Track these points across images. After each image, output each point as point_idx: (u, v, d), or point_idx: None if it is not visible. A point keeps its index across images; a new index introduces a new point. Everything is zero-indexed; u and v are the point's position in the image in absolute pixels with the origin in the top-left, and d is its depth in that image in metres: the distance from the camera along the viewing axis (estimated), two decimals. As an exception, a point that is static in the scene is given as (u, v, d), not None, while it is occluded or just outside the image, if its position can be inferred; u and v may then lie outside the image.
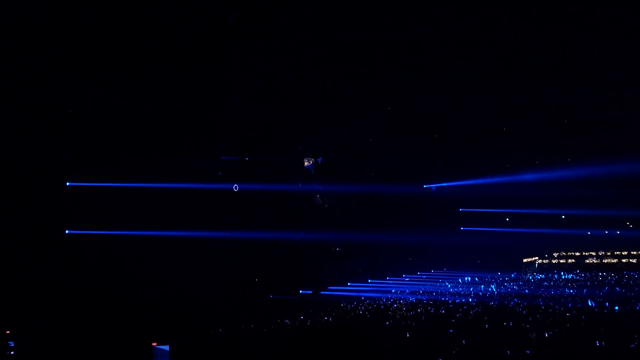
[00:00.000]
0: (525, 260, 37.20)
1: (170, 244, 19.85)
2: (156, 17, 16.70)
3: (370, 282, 28.17)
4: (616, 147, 26.89)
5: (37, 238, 15.95)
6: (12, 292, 14.11)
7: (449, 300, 20.15)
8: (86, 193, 18.32)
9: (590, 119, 26.44)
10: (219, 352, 10.79)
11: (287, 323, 15.99)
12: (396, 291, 24.95)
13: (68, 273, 15.78)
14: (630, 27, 18.51)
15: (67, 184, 18.07)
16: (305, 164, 27.10)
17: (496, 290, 24.25)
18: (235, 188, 22.53)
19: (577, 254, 36.43)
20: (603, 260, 35.66)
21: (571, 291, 22.79)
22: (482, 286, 26.17)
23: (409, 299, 21.11)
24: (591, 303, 17.61)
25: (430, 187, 34.75)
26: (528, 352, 10.47)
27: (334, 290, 24.30)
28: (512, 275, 32.09)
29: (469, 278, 30.15)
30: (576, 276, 31.40)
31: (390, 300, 20.97)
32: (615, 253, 35.45)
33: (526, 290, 23.72)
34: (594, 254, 35.98)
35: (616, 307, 16.37)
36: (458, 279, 30.23)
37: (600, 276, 30.37)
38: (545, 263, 37.04)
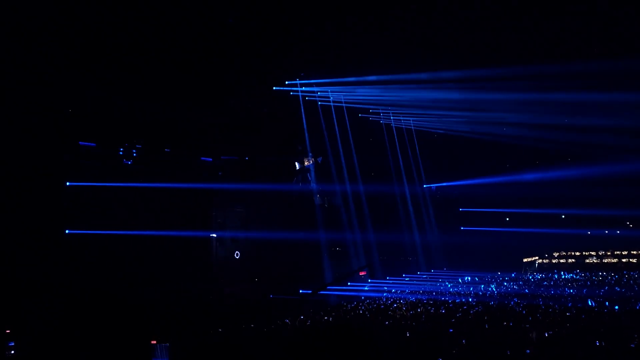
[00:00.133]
0: (525, 260, 37.20)
1: (170, 244, 19.85)
2: (156, 17, 16.70)
3: (371, 282, 28.16)
4: (616, 147, 26.90)
5: (37, 238, 15.96)
6: (12, 292, 14.11)
7: (449, 300, 20.14)
8: (86, 193, 18.32)
9: (590, 119, 26.43)
10: (219, 352, 10.78)
11: (287, 323, 15.99)
12: (396, 291, 24.95)
13: (68, 273, 15.79)
14: (630, 26, 18.52)
15: (67, 184, 18.08)
16: (305, 164, 27.11)
17: (496, 290, 24.24)
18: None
19: (577, 253, 36.43)
20: (603, 260, 35.66)
21: (571, 291, 22.78)
22: (482, 286, 26.16)
23: (409, 299, 21.10)
24: (591, 303, 17.60)
25: (430, 187, 34.76)
26: (528, 351, 10.47)
27: (334, 290, 24.29)
28: (512, 275, 32.08)
29: (469, 278, 30.14)
30: (576, 276, 31.40)
31: (390, 300, 20.97)
32: (615, 253, 35.45)
33: (526, 290, 23.71)
34: (594, 253, 35.99)
35: (616, 307, 16.36)
36: (458, 279, 30.23)
37: (600, 276, 30.37)
38: (545, 263, 37.04)
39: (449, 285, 27.22)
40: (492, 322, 14.28)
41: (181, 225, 20.53)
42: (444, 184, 34.22)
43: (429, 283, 28.57)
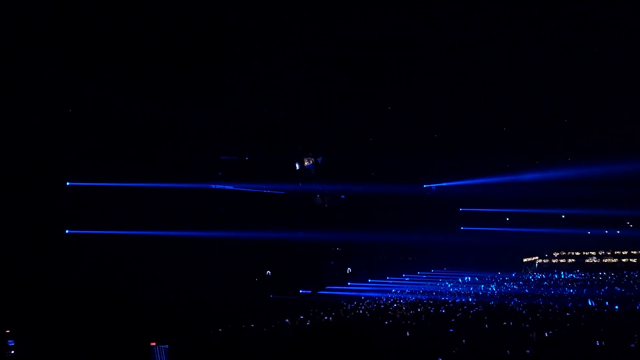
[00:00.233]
0: (525, 260, 37.21)
1: (170, 244, 19.85)
2: (156, 17, 16.69)
3: (371, 282, 28.17)
4: (616, 147, 26.89)
5: (37, 238, 15.96)
6: (12, 292, 14.11)
7: (449, 299, 20.15)
8: (86, 193, 18.33)
9: (590, 119, 26.44)
10: (219, 352, 10.78)
11: (287, 323, 16.00)
12: (396, 291, 24.96)
13: (68, 273, 15.78)
14: (630, 26, 18.51)
15: (67, 184, 18.08)
16: (305, 164, 27.11)
17: (496, 289, 24.25)
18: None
19: (577, 253, 36.43)
20: (603, 260, 35.66)
21: (571, 291, 22.79)
22: (482, 286, 26.17)
23: (409, 299, 21.11)
24: (591, 302, 17.61)
25: (430, 187, 34.76)
26: (528, 351, 10.47)
27: (334, 290, 24.30)
28: (513, 275, 32.09)
29: (469, 278, 30.15)
30: (576, 276, 31.40)
31: (390, 300, 20.98)
32: (615, 252, 35.45)
33: (526, 290, 23.73)
34: (594, 253, 35.98)
35: (616, 307, 16.37)
36: (458, 279, 30.24)
37: (600, 276, 30.38)
38: (546, 263, 37.04)
39: (449, 285, 27.24)
40: (492, 322, 14.29)
41: (181, 225, 20.54)
42: (444, 184, 34.22)
43: (429, 283, 28.58)
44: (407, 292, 24.23)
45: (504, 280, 29.54)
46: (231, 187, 23.08)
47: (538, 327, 12.72)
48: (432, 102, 25.44)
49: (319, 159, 27.27)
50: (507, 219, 34.94)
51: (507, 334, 12.61)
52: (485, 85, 23.67)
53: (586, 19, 18.08)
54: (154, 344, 8.26)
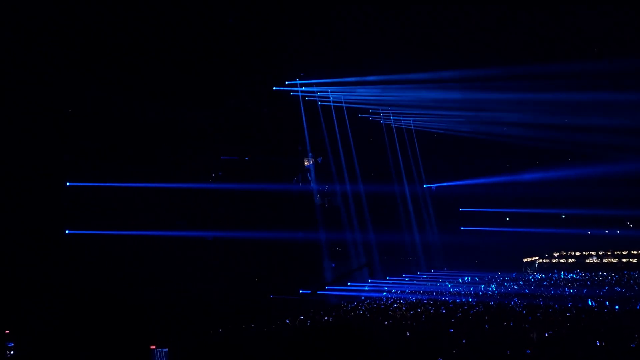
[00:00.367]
0: (525, 260, 37.20)
1: (170, 244, 19.84)
2: (156, 17, 16.69)
3: (371, 282, 28.15)
4: (616, 147, 26.88)
5: (37, 238, 15.95)
6: (12, 292, 14.10)
7: (449, 300, 20.14)
8: (86, 193, 18.31)
9: (591, 119, 26.43)
10: (219, 352, 10.78)
11: (287, 323, 15.99)
12: (396, 291, 24.95)
13: (68, 273, 15.77)
14: (630, 26, 18.51)
15: (67, 184, 18.07)
16: (305, 164, 27.11)
17: (496, 289, 24.24)
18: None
19: (578, 253, 36.42)
20: (603, 260, 35.64)
21: (571, 291, 22.78)
22: (482, 286, 26.16)
23: (409, 299, 21.10)
24: (591, 303, 17.60)
25: (430, 187, 34.75)
26: (528, 351, 10.46)
27: (334, 290, 24.28)
28: (513, 275, 32.08)
29: (469, 278, 30.14)
30: (576, 276, 31.40)
31: (390, 300, 20.97)
32: (616, 253, 35.44)
33: (526, 290, 23.72)
34: (594, 253, 35.97)
35: (616, 307, 16.36)
36: (458, 279, 30.23)
37: (601, 276, 30.37)
38: (546, 263, 37.02)
39: (449, 285, 27.23)
40: (492, 322, 14.28)
41: (181, 225, 20.53)
42: (444, 184, 34.21)
43: (429, 283, 28.57)
44: (407, 292, 24.22)
45: (504, 280, 29.53)
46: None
47: (538, 327, 12.71)
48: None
49: (319, 159, 27.28)
50: (507, 219, 34.93)
51: (507, 334, 12.60)
52: (486, 84, 23.67)
53: (587, 19, 18.08)
54: (154, 347, 8.24)
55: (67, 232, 17.70)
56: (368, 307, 19.47)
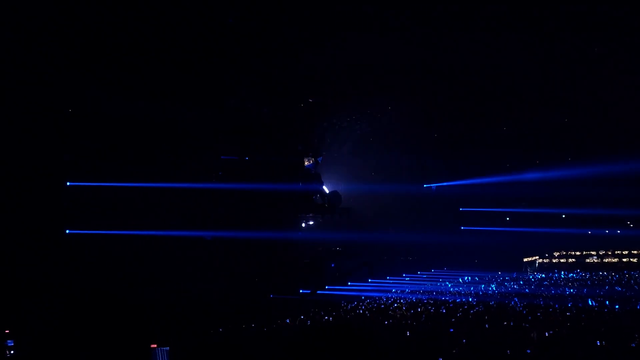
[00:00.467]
0: (525, 259, 37.19)
1: (170, 244, 19.83)
2: (156, 17, 16.68)
3: (371, 282, 28.16)
4: (616, 147, 26.89)
5: (37, 238, 15.95)
6: (12, 292, 14.10)
7: (449, 299, 20.14)
8: (86, 193, 18.31)
9: (591, 119, 26.44)
10: (219, 352, 10.78)
11: (287, 323, 16.00)
12: (396, 291, 24.96)
13: (68, 273, 15.77)
14: (630, 27, 18.50)
15: (67, 183, 18.06)
16: (305, 164, 27.10)
17: (496, 289, 24.25)
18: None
19: (578, 253, 36.41)
20: (603, 260, 35.63)
21: (572, 290, 22.78)
22: (483, 285, 26.17)
23: (409, 299, 21.11)
24: (591, 302, 17.60)
25: (430, 187, 34.74)
26: (528, 351, 10.46)
27: (334, 290, 24.28)
28: (514, 275, 32.09)
29: (469, 277, 30.15)
30: (576, 275, 31.41)
31: (390, 300, 20.98)
32: (616, 252, 35.43)
33: (526, 290, 23.73)
34: (594, 253, 35.96)
35: (616, 306, 16.36)
36: (458, 279, 30.24)
37: (601, 275, 30.37)
38: (546, 262, 37.02)
39: (449, 285, 27.23)
40: (493, 321, 14.28)
41: (181, 225, 20.52)
42: (444, 183, 34.19)
43: (429, 283, 28.58)
44: (407, 292, 24.23)
45: (504, 280, 29.54)
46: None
47: (538, 327, 12.71)
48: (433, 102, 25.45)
49: (319, 159, 27.28)
50: (508, 218, 34.93)
51: (507, 333, 12.61)
52: (487, 86, 23.68)
53: (587, 18, 18.07)
54: (155, 345, 8.24)
55: (67, 232, 17.69)
56: (368, 307, 19.47)
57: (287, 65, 20.94)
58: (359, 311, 18.53)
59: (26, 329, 11.12)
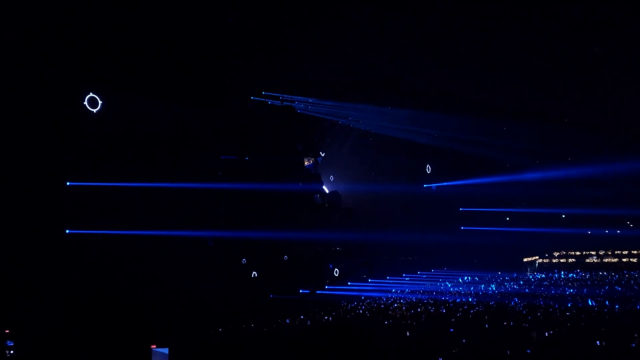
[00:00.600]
0: (525, 259, 37.22)
1: (170, 244, 19.83)
2: (156, 17, 16.69)
3: (371, 282, 28.17)
4: (616, 147, 26.90)
5: (37, 238, 15.94)
6: (12, 292, 14.10)
7: (449, 299, 20.14)
8: (86, 193, 18.30)
9: (591, 119, 26.44)
10: (219, 352, 10.78)
11: (287, 323, 16.00)
12: (396, 290, 24.97)
13: (68, 273, 15.77)
14: (630, 27, 18.50)
15: (67, 183, 18.06)
16: (305, 164, 27.11)
17: (496, 289, 24.25)
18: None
19: (578, 253, 36.43)
20: (603, 260, 35.65)
21: (572, 290, 22.78)
22: (483, 285, 26.18)
23: (409, 299, 21.11)
24: (591, 302, 17.60)
25: (430, 186, 34.75)
26: (528, 351, 10.46)
27: (334, 290, 24.30)
28: (514, 275, 32.11)
29: (469, 277, 30.16)
30: (576, 275, 31.42)
31: (390, 300, 20.98)
32: (616, 252, 35.45)
33: (526, 290, 23.73)
34: (594, 253, 35.98)
35: (616, 306, 16.36)
36: (458, 279, 30.25)
37: (601, 275, 30.38)
38: (546, 262, 37.04)
39: (449, 285, 27.24)
40: (493, 321, 14.28)
41: (181, 225, 20.52)
42: (444, 183, 34.20)
43: (429, 283, 28.59)
44: (407, 292, 24.23)
45: (504, 280, 29.55)
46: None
47: (538, 327, 12.70)
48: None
49: (319, 159, 27.28)
50: (508, 218, 34.95)
51: (507, 333, 12.60)
52: (486, 83, 23.68)
53: (587, 18, 18.07)
54: (155, 346, 8.24)
55: (67, 232, 17.69)
56: (368, 307, 19.47)
57: (286, 65, 20.96)
58: (359, 311, 18.53)
59: (26, 329, 11.12)
